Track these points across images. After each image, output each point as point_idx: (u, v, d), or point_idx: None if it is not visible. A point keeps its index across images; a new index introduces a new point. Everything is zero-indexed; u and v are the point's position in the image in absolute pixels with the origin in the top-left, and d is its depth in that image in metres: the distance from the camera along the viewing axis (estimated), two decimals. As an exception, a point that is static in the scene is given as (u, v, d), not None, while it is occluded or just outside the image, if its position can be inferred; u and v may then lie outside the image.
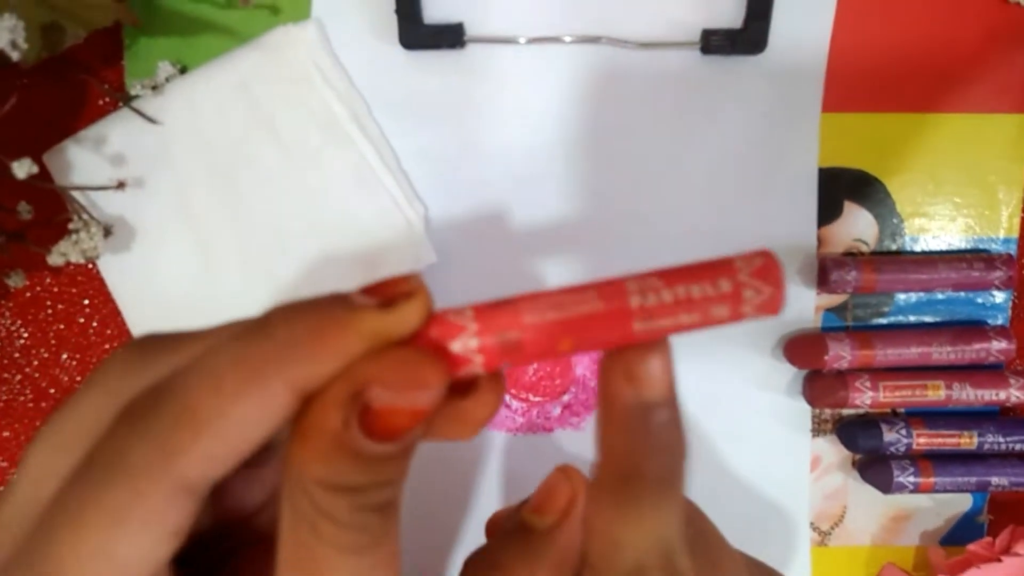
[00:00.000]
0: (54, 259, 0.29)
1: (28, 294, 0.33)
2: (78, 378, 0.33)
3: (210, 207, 0.31)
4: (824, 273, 0.32)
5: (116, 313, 0.32)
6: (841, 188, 0.33)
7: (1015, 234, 0.34)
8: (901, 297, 0.34)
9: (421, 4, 0.31)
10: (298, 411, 0.14)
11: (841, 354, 0.32)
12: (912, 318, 0.34)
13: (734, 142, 0.32)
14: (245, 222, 0.31)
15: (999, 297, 0.34)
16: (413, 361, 0.14)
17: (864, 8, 0.32)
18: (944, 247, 0.34)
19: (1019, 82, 0.33)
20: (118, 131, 0.30)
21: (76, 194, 0.30)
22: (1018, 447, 0.33)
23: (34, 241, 0.30)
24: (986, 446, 0.33)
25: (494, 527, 0.24)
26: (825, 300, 0.33)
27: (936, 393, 0.33)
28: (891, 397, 0.32)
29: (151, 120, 0.30)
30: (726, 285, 0.15)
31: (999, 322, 0.34)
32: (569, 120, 0.32)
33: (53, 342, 0.33)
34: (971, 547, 0.33)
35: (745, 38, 0.31)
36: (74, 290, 0.33)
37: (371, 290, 0.15)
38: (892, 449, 0.33)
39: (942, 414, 0.34)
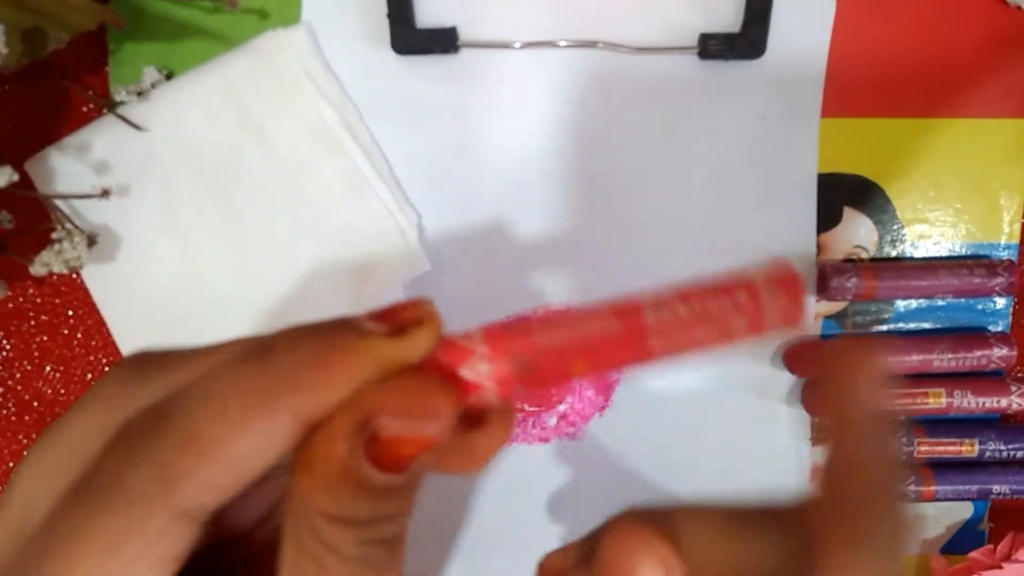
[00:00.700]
0: (37, 269, 0.28)
1: (10, 305, 0.32)
2: (62, 391, 0.32)
3: (198, 215, 0.30)
4: (824, 280, 0.32)
5: (101, 324, 0.31)
6: (840, 194, 0.33)
7: (1016, 240, 0.33)
8: (901, 304, 0.33)
9: (414, 8, 0.30)
10: (303, 439, 0.13)
11: (841, 362, 0.31)
12: (912, 325, 0.33)
13: (732, 148, 0.32)
14: (234, 230, 0.30)
15: (1000, 303, 0.33)
16: (423, 389, 0.13)
17: (863, 12, 0.32)
18: (945, 253, 0.33)
19: (1020, 86, 0.32)
20: (102, 138, 0.30)
21: (59, 203, 0.29)
22: (1019, 455, 0.33)
23: (16, 251, 0.29)
24: (987, 454, 0.33)
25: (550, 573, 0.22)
26: (824, 307, 0.33)
27: (937, 401, 0.32)
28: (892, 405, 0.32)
29: (136, 127, 0.29)
30: (744, 297, 0.15)
31: (1000, 328, 0.33)
32: (564, 126, 0.32)
33: (36, 354, 0.32)
34: (972, 555, 0.33)
35: (743, 43, 0.31)
36: (57, 301, 0.32)
37: (380, 316, 0.14)
38: None
39: (943, 422, 0.33)
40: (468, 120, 0.32)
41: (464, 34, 0.31)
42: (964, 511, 0.35)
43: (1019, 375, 0.34)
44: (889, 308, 0.33)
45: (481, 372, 0.14)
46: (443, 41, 0.30)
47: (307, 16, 0.31)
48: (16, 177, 0.26)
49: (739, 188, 0.32)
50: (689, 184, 0.32)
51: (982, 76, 0.32)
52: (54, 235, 0.28)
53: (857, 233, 0.33)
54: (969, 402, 0.32)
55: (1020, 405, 0.32)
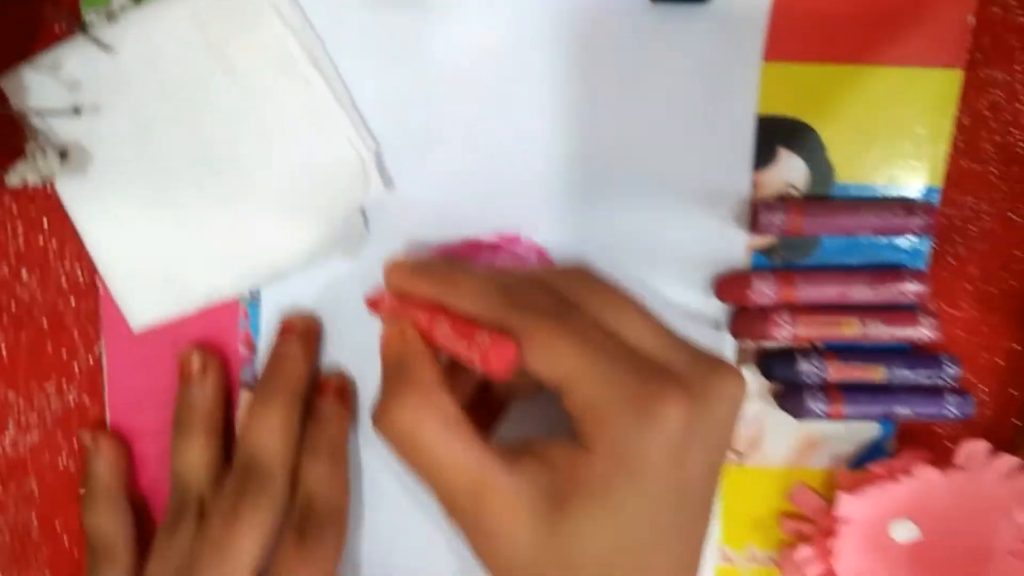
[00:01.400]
0: (12, 180, 0.30)
1: (-12, 213, 0.34)
2: (39, 295, 0.34)
3: (166, 136, 0.32)
4: (755, 215, 0.34)
5: (74, 234, 0.33)
6: (777, 135, 0.35)
7: (939, 184, 0.35)
8: (827, 241, 0.36)
9: (375, -62, 0.31)
10: None
11: (765, 291, 0.34)
12: (836, 260, 0.36)
13: (677, 89, 0.34)
14: (200, 152, 0.32)
15: (919, 243, 0.36)
16: None
17: (808, -41, 0.33)
18: (871, 194, 0.35)
19: (951, 38, 0.34)
20: (74, 57, 0.31)
21: (33, 118, 0.31)
22: (923, 380, 0.36)
23: (-9, 163, 0.31)
24: (894, 380, 0.36)
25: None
26: (756, 241, 0.35)
27: (851, 329, 0.35)
28: (808, 332, 0.35)
29: (106, 48, 0.31)
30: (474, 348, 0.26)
31: (918, 266, 0.36)
32: (519, 63, 0.33)
33: (13, 260, 0.34)
34: (870, 467, 0.36)
35: (691, -15, 0.32)
36: (33, 210, 0.34)
37: None
38: (806, 379, 0.35)
39: (856, 349, 0.36)
40: (428, 54, 0.33)
41: (423, -34, 0.32)
42: (872, 430, 0.38)
43: (931, 309, 0.37)
44: (815, 244, 0.36)
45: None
46: (403, -28, 0.31)
47: (271, -59, 0.32)
48: (-11, 92, 0.27)
49: (681, 127, 0.34)
50: (633, 123, 0.34)
51: (916, 27, 0.34)
52: (27, 148, 0.30)
53: (790, 173, 0.35)
54: (881, 332, 0.35)
55: (927, 336, 0.35)
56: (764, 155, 0.35)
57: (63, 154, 0.30)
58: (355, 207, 0.33)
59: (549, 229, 0.35)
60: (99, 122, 0.31)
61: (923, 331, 0.35)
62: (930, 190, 0.35)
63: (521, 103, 0.34)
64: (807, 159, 0.35)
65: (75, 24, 0.31)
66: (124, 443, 0.35)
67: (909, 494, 0.36)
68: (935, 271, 0.37)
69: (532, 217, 0.35)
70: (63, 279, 0.34)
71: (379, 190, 0.33)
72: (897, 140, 0.35)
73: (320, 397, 0.34)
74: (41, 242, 0.34)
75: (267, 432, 0.32)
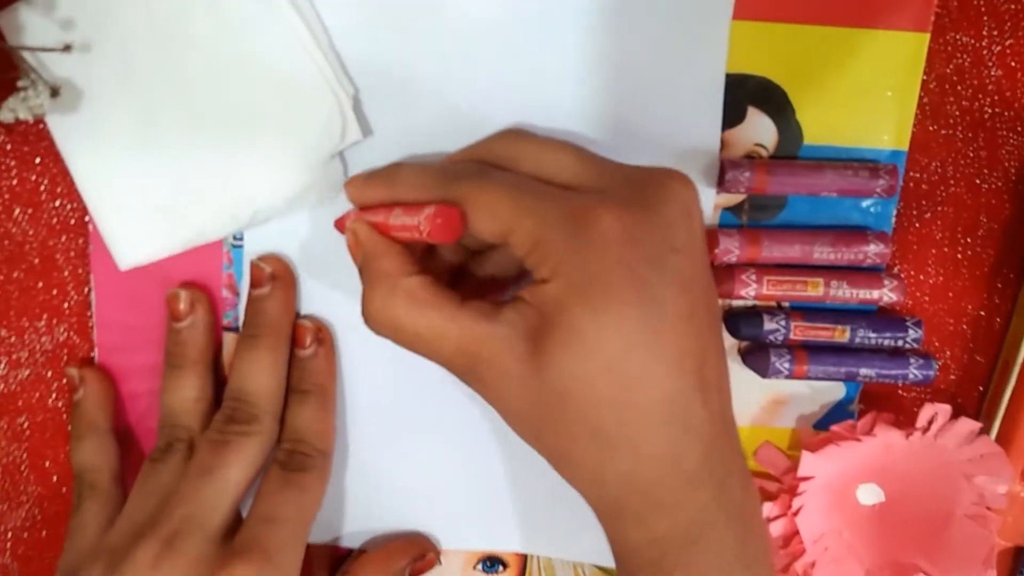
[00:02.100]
0: (3, 115, 0.31)
1: (-18, 150, 0.35)
2: (30, 231, 0.36)
3: (152, 74, 0.33)
4: (722, 172, 0.35)
5: (66, 172, 0.34)
6: (745, 94, 0.35)
7: (905, 147, 0.36)
8: (794, 201, 0.36)
9: None
10: None
11: (730, 248, 0.35)
12: (803, 221, 0.37)
13: (647, 46, 0.35)
14: (186, 90, 0.33)
15: (884, 206, 0.37)
16: None
17: (777, -79, 0.34)
18: (837, 156, 0.36)
19: (922, 1, 0.35)
20: (67, -5, 0.32)
21: (26, 54, 0.32)
22: (887, 343, 0.37)
23: (-15, 99, 0.32)
24: (857, 340, 0.37)
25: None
26: (723, 199, 0.36)
27: (816, 290, 0.36)
28: (774, 291, 0.36)
29: (97, -12, 0.32)
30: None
31: (883, 229, 0.37)
32: (487, 16, 0.34)
33: (7, 196, 0.35)
34: (834, 428, 0.37)
35: (662, -57, 0.33)
36: (26, 148, 0.35)
37: None
38: (771, 338, 0.36)
39: (820, 310, 0.37)
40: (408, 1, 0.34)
41: (404, -81, 0.33)
42: (837, 392, 0.39)
43: (894, 271, 0.37)
44: (782, 203, 0.36)
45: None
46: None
47: None
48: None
49: (649, 85, 0.35)
50: (603, 78, 0.35)
51: (886, -11, 0.35)
52: (19, 83, 0.31)
53: (759, 132, 0.36)
54: (845, 292, 0.36)
55: (891, 298, 0.36)
56: (733, 114, 0.36)
57: (54, 91, 0.32)
58: (333, 152, 0.34)
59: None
60: (89, 59, 0.33)
61: (887, 294, 0.36)
62: (896, 153, 0.36)
63: (495, 54, 0.35)
64: (776, 119, 0.36)
65: (70, -32, 0.32)
66: (110, 378, 0.36)
67: (872, 455, 0.37)
68: (900, 235, 0.37)
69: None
70: (54, 218, 0.36)
71: (356, 136, 0.34)
72: (865, 102, 0.36)
73: (300, 341, 0.35)
74: (33, 180, 0.35)
75: (255, 369, 0.34)
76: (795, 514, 0.37)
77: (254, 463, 0.33)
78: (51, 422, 0.37)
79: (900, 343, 0.37)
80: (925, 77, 0.36)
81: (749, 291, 0.35)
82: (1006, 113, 0.36)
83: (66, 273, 0.36)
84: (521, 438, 0.28)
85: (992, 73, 0.36)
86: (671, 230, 0.26)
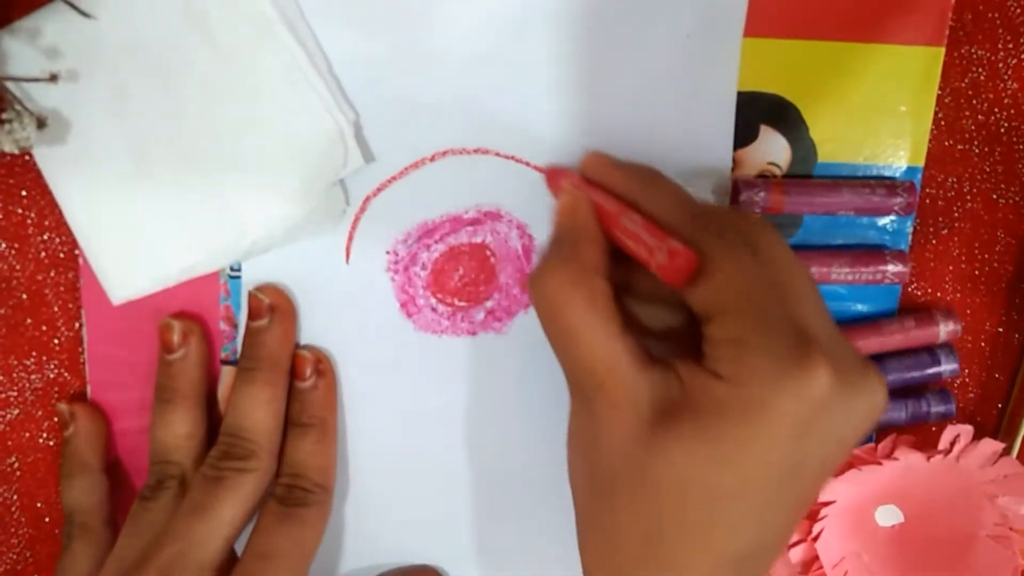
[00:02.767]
0: (-12, 148, 0.30)
1: (-35, 184, 0.34)
2: (17, 267, 0.34)
3: (144, 104, 0.32)
4: (735, 193, 0.34)
5: (54, 205, 0.33)
6: (758, 112, 0.35)
7: (921, 164, 0.35)
8: (809, 220, 0.35)
9: (355, -92, 0.31)
10: None
11: (746, 270, 0.34)
12: (818, 241, 0.36)
13: (656, 63, 0.34)
14: (179, 121, 0.32)
15: (901, 223, 0.36)
16: None
17: (789, -66, 0.33)
18: (852, 173, 0.35)
19: (934, 16, 0.34)
20: (52, 24, 0.31)
21: (10, 85, 0.31)
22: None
23: (-32, 131, 0.31)
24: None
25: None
26: (737, 220, 0.35)
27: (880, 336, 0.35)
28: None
29: (84, 14, 0.31)
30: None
31: (899, 247, 0.36)
32: (495, 36, 0.33)
33: (-8, 232, 0.34)
34: (855, 451, 0.36)
35: (672, -41, 0.32)
36: (11, 181, 0.34)
37: None
38: None
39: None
40: (406, 23, 0.33)
41: (404, -62, 0.32)
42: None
43: (951, 312, 0.36)
44: (797, 222, 0.36)
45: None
46: (383, -58, 0.31)
47: (252, -88, 0.32)
48: (-35, 57, 0.27)
49: (661, 103, 0.34)
50: (614, 98, 0.34)
51: (898, 4, 0.34)
52: (4, 116, 0.30)
53: (772, 150, 0.35)
54: (906, 337, 0.35)
55: (948, 331, 0.35)
56: (745, 133, 0.35)
57: (41, 122, 0.30)
58: (334, 180, 0.33)
59: (529, 204, 0.35)
60: (78, 89, 0.31)
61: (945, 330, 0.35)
62: (912, 169, 0.35)
63: (499, 75, 0.34)
64: (789, 137, 0.35)
65: (55, -8, 0.31)
66: (102, 415, 0.35)
67: (892, 478, 0.36)
68: (917, 252, 0.36)
69: (513, 192, 0.35)
70: (42, 252, 0.34)
71: (358, 162, 0.33)
72: (879, 118, 0.35)
73: (299, 373, 0.34)
74: (20, 213, 0.34)
75: (252, 404, 0.32)
76: (815, 539, 0.37)
77: (249, 500, 0.31)
78: (42, 462, 0.36)
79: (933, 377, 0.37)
80: (940, 92, 0.35)
81: None
82: (1023, 127, 0.36)
83: (56, 308, 0.35)
84: (572, 478, 0.28)
85: (1008, 86, 0.35)
86: (851, 424, 0.25)
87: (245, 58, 0.32)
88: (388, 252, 0.35)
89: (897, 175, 0.35)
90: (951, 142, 0.36)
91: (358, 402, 0.36)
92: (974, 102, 0.35)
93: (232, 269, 0.35)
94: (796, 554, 0.37)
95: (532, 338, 0.36)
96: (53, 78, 0.30)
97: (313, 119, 0.32)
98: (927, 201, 0.36)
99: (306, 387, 0.34)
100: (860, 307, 0.36)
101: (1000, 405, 0.38)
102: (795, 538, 0.37)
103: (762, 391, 0.23)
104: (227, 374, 0.35)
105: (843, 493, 0.36)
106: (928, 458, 0.35)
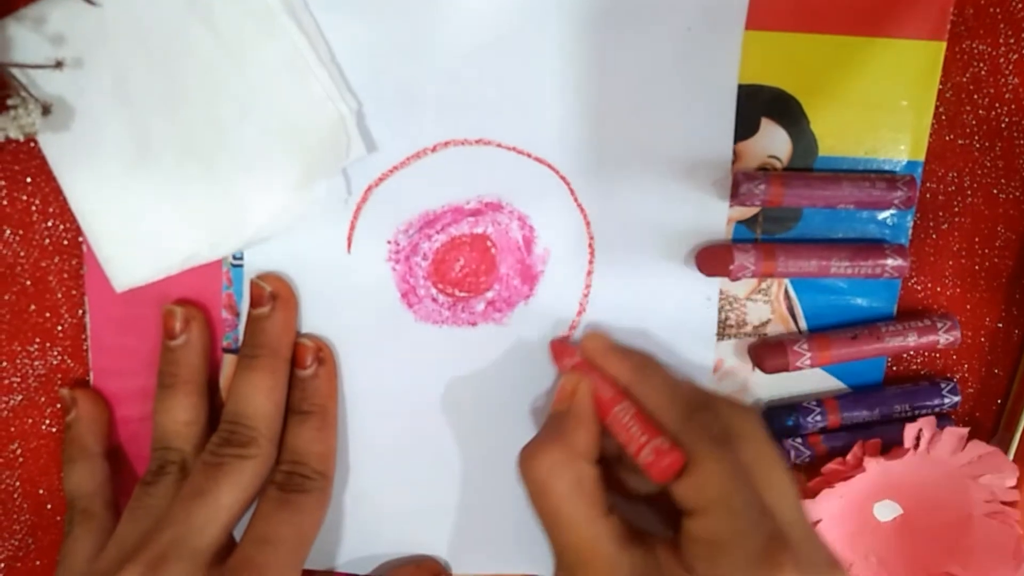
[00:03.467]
0: (-7, 134, 0.30)
1: (-30, 170, 0.34)
2: (21, 254, 0.34)
3: (147, 92, 0.32)
4: (735, 185, 0.34)
5: (58, 192, 0.33)
6: (759, 105, 0.35)
7: (922, 158, 0.35)
8: (809, 213, 0.36)
9: (359, -102, 0.31)
10: None
11: (745, 264, 0.34)
12: (818, 234, 0.36)
13: (658, 56, 0.34)
14: (182, 109, 0.32)
15: (901, 217, 0.36)
16: None
17: (791, -72, 0.33)
18: (853, 167, 0.35)
19: (936, 10, 0.34)
20: (58, 11, 0.31)
21: (15, 71, 0.31)
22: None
23: (-27, 117, 0.31)
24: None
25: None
26: (737, 212, 0.35)
27: (874, 343, 0.35)
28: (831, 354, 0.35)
29: (90, 1, 0.31)
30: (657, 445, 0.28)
31: (899, 241, 0.36)
32: (498, 27, 0.33)
33: (-3, 218, 0.34)
34: (824, 469, 0.36)
35: (674, -48, 0.32)
36: (16, 167, 0.34)
37: None
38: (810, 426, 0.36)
39: (858, 396, 0.37)
40: (409, 13, 0.33)
41: (407, -72, 0.32)
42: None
43: (949, 315, 0.36)
44: (797, 215, 0.36)
45: None
46: (386, -67, 0.32)
47: (257, -98, 0.32)
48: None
49: (663, 95, 0.34)
50: (616, 89, 0.34)
51: (900, -2, 0.34)
52: (10, 102, 0.30)
53: (772, 144, 0.35)
54: (905, 341, 0.35)
55: (948, 340, 0.36)
56: (746, 126, 0.35)
57: (45, 109, 0.31)
58: (337, 169, 0.33)
59: (530, 197, 0.35)
60: (82, 76, 0.31)
61: (944, 336, 0.36)
62: (912, 163, 0.35)
63: (502, 66, 0.34)
64: (790, 130, 0.35)
65: (61, -19, 0.31)
66: (104, 401, 0.35)
67: (873, 481, 0.36)
68: (917, 246, 0.36)
69: (514, 183, 0.35)
70: (46, 238, 0.34)
71: (360, 152, 0.33)
72: (880, 112, 0.35)
73: (300, 361, 0.34)
74: (24, 200, 0.34)
75: (253, 390, 0.33)
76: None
77: (249, 487, 0.32)
78: (45, 448, 0.36)
79: (937, 411, 0.37)
80: (941, 86, 0.35)
81: (804, 361, 0.35)
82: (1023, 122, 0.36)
83: (59, 295, 0.35)
84: None
85: (1009, 81, 0.35)
86: None
87: (248, 46, 0.32)
88: (389, 242, 0.35)
89: (898, 169, 0.35)
90: (951, 136, 0.36)
91: (358, 391, 0.36)
92: (975, 97, 0.35)
93: (234, 257, 0.35)
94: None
95: (532, 329, 0.36)
96: (58, 65, 0.31)
97: (315, 108, 0.32)
98: (927, 196, 0.36)
99: (307, 375, 0.34)
100: (859, 301, 0.36)
101: (999, 401, 0.38)
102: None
103: None
104: (229, 362, 0.35)
105: (826, 510, 0.36)
106: (899, 460, 0.35)
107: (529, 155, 0.35)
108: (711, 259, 0.35)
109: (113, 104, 0.32)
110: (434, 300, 0.36)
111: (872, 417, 0.36)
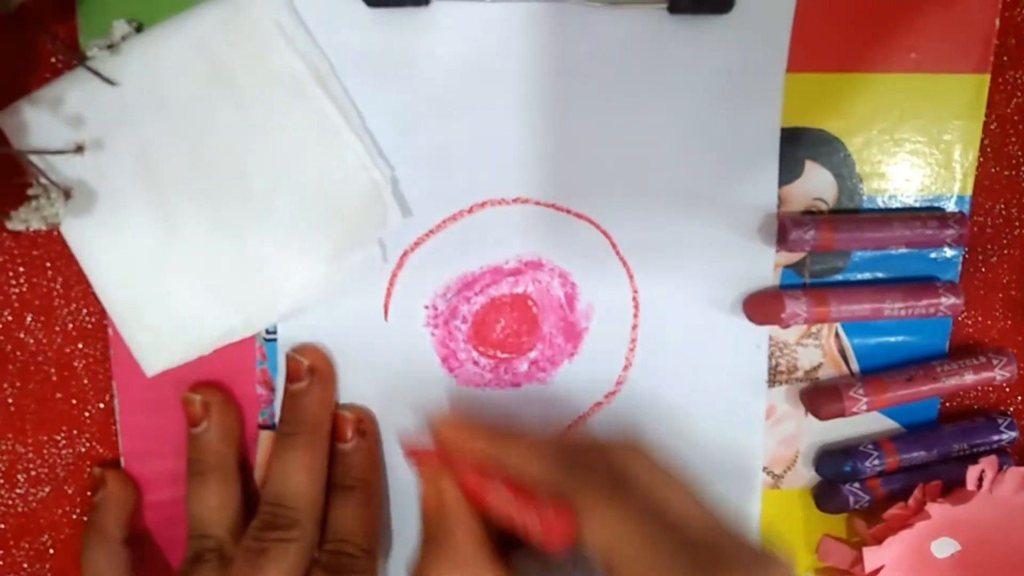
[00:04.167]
0: (14, 225, 0.28)
1: (-12, 257, 0.32)
2: (44, 340, 0.33)
3: (172, 169, 0.31)
4: (783, 232, 0.33)
5: (80, 275, 0.32)
6: (802, 148, 0.34)
7: (969, 193, 0.35)
8: (857, 254, 0.35)
9: (384, -40, 0.30)
10: None
11: (797, 312, 0.33)
12: (867, 275, 0.35)
13: (698, 101, 0.33)
14: (208, 184, 0.31)
15: (950, 254, 0.35)
16: None
17: (830, -33, 0.32)
18: (900, 205, 0.35)
19: (979, 42, 0.33)
20: (74, 92, 0.30)
21: (34, 158, 0.29)
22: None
23: (-8, 206, 0.29)
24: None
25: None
26: (784, 258, 0.34)
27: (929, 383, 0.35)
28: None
29: (108, 81, 0.29)
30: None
31: (950, 278, 0.35)
32: (535, 80, 0.32)
33: (16, 304, 0.33)
34: (886, 516, 0.35)
35: (712, -3, 0.31)
36: (35, 252, 0.32)
37: None
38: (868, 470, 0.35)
39: (914, 436, 0.36)
40: (439, 73, 0.32)
41: (435, -13, 0.31)
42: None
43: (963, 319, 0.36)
44: (845, 258, 0.35)
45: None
46: (414, -6, 0.30)
47: (277, -33, 0.31)
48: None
49: (704, 141, 0.33)
50: (656, 138, 0.33)
51: (942, 32, 0.33)
52: (30, 191, 0.28)
53: (818, 186, 0.34)
54: (960, 380, 0.35)
55: (1004, 376, 0.35)
56: (790, 169, 0.34)
57: (67, 195, 0.29)
58: (372, 239, 0.32)
59: (570, 253, 0.34)
60: (103, 158, 0.30)
61: (1000, 372, 0.35)
62: (960, 198, 0.35)
63: (536, 121, 0.33)
64: (835, 172, 0.34)
65: (75, 56, 0.29)
66: (132, 484, 0.34)
67: (933, 523, 0.35)
68: (967, 280, 0.36)
69: (554, 240, 0.34)
70: (69, 323, 0.33)
71: (397, 220, 0.32)
72: (925, 149, 0.34)
73: (341, 434, 0.33)
74: (45, 285, 0.33)
75: (292, 470, 0.31)
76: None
77: (294, 571, 0.30)
78: (76, 539, 0.35)
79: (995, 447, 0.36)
80: (985, 118, 0.34)
81: (861, 407, 0.34)
82: (1069, 150, 0.35)
83: (85, 381, 0.34)
84: None
85: (1054, 110, 0.34)
86: None
87: (276, 117, 0.30)
88: (427, 307, 0.34)
89: (945, 204, 0.35)
90: (998, 168, 0.35)
91: (401, 461, 0.35)
92: (1020, 127, 0.35)
93: (267, 332, 0.33)
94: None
95: (577, 387, 0.35)
96: (79, 149, 0.29)
97: (349, 177, 0.31)
98: (975, 229, 0.35)
99: (348, 448, 0.33)
100: (911, 339, 0.36)
101: (1054, 432, 0.38)
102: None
103: None
104: (264, 439, 0.34)
105: (889, 556, 0.36)
106: (958, 503, 0.35)
107: (568, 211, 0.33)
108: (761, 307, 0.34)
109: (136, 185, 0.30)
110: (475, 363, 0.34)
111: (930, 457, 0.36)
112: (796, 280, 0.35)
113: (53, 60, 0.31)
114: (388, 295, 0.34)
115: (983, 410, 0.37)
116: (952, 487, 0.35)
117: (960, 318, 0.36)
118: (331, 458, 0.33)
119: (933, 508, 0.34)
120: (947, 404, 0.37)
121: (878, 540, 0.35)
